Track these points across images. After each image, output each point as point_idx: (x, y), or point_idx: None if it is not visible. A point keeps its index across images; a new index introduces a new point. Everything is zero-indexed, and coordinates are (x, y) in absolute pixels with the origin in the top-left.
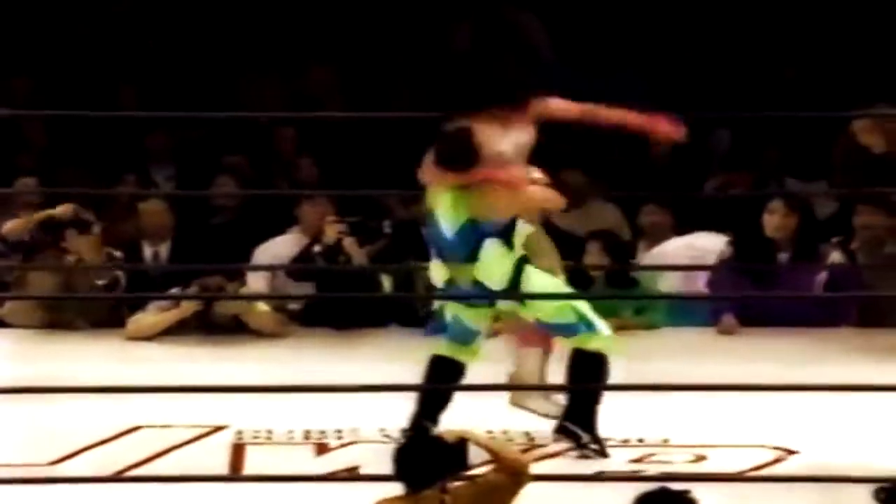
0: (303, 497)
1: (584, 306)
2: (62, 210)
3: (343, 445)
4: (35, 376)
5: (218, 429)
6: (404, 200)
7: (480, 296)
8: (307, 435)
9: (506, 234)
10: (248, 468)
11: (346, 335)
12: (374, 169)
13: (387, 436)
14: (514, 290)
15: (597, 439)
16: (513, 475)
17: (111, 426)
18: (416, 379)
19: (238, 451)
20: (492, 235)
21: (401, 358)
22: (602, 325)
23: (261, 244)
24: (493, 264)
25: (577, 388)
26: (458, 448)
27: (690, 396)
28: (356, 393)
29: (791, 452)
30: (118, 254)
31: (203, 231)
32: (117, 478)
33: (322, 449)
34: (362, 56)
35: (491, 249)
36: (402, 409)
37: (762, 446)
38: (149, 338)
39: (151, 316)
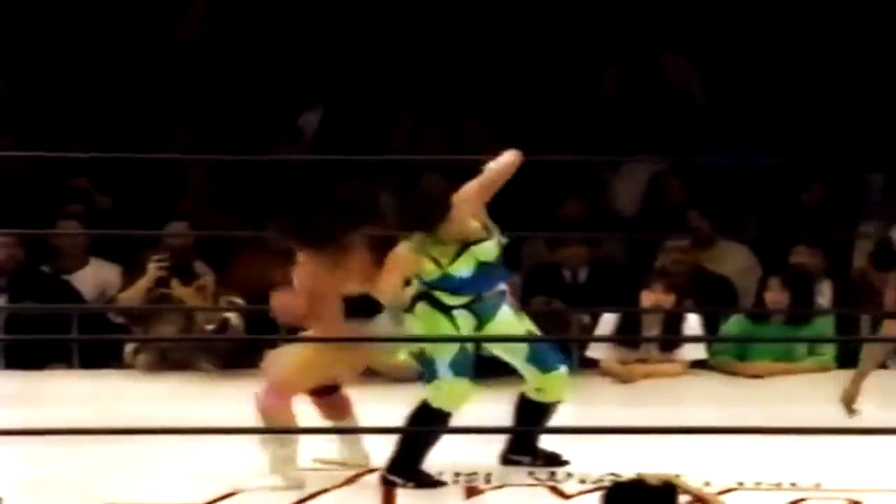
0: None
1: (439, 352)
2: (152, 268)
3: (493, 488)
4: (193, 417)
5: (370, 471)
6: (547, 244)
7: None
8: (456, 477)
9: None
10: None
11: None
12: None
13: (537, 479)
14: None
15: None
16: None
17: (261, 467)
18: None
19: (389, 493)
20: None
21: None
22: (444, 374)
23: None
24: None
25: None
26: (665, 494)
27: (845, 440)
28: (499, 434)
29: None
30: (238, 300)
31: None
32: None
33: (472, 491)
34: (512, 107)
35: None
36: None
37: None
38: None
39: None
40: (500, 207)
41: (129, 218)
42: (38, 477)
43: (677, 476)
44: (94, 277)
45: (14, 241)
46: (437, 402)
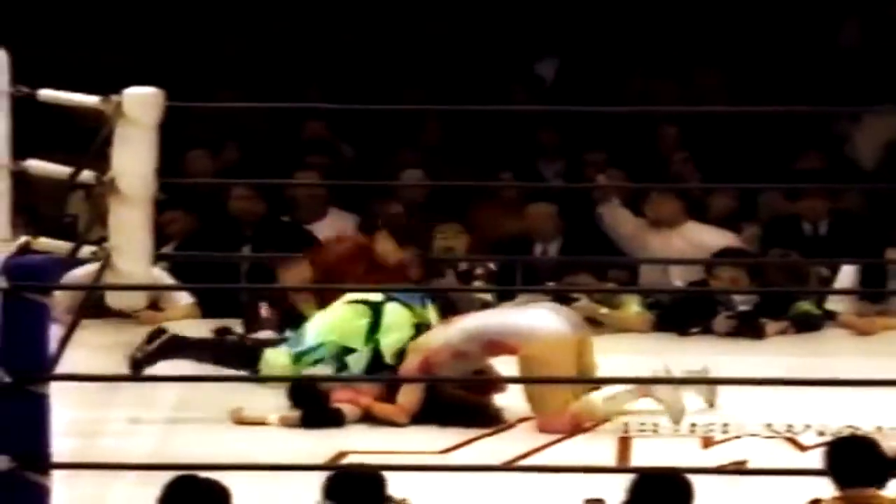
0: None
1: None
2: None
3: (729, 439)
4: None
5: (603, 420)
6: (786, 196)
7: None
8: (693, 428)
9: None
10: (635, 460)
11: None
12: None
13: (773, 430)
14: None
15: None
16: None
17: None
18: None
19: (624, 442)
20: None
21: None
22: None
23: None
24: None
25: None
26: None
27: None
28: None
29: None
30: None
31: (591, 228)
32: (507, 467)
33: (708, 442)
34: (749, 58)
35: None
36: (789, 404)
37: None
38: None
39: None
40: (738, 160)
41: (369, 168)
42: None
43: None
44: (332, 228)
45: (257, 192)
46: None
